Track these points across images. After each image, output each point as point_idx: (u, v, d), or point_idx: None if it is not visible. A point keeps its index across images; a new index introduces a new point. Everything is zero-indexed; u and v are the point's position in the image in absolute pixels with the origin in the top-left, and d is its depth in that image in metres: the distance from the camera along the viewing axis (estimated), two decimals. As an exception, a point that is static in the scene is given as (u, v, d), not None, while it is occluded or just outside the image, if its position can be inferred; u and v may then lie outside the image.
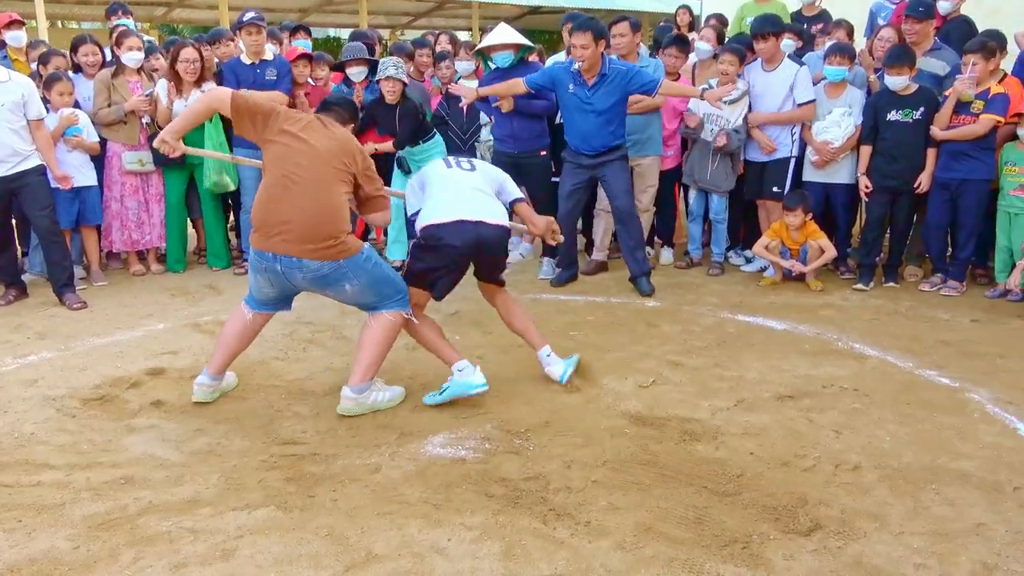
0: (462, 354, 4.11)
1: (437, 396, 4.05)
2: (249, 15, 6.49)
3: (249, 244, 3.92)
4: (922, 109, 5.82)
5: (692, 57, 6.91)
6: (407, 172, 6.33)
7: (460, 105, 6.69)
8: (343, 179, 3.84)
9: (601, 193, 6.37)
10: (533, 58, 6.95)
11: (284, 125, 3.82)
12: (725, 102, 6.20)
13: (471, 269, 4.28)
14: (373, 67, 6.73)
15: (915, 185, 5.92)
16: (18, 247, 6.43)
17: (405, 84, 6.26)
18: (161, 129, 6.30)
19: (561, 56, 6.95)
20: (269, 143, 3.84)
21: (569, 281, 6.32)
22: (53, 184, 5.87)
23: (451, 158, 4.57)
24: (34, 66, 6.64)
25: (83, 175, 6.25)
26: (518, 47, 6.16)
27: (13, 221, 5.97)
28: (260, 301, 4.02)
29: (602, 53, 5.72)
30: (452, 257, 4.08)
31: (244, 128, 3.88)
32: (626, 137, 6.16)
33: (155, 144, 4.03)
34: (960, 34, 6.39)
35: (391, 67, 6.19)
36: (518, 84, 5.94)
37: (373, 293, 3.94)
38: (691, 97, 6.16)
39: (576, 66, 5.74)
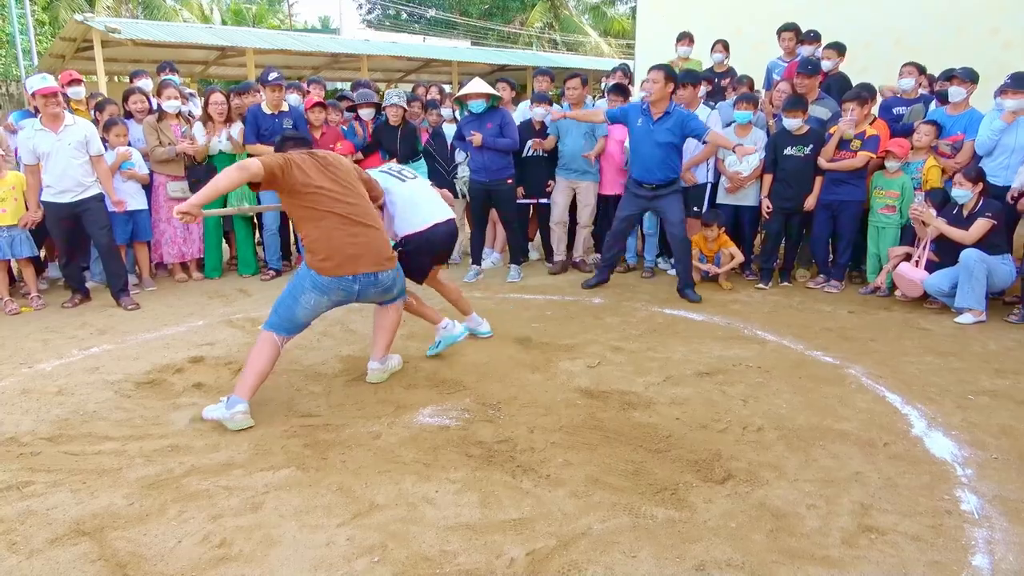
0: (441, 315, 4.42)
1: (434, 348, 4.42)
2: (272, 75, 6.43)
3: (315, 274, 3.56)
4: (812, 146, 5.89)
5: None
6: None
7: (545, 117, 6.59)
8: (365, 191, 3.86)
9: (555, 208, 6.58)
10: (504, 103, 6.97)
11: (301, 177, 3.51)
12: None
13: None
14: (377, 108, 6.91)
15: (804, 206, 6.00)
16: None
17: (405, 110, 6.54)
18: (197, 163, 6.28)
19: (525, 104, 6.95)
20: (302, 195, 3.53)
21: (599, 285, 6.19)
22: (111, 208, 5.75)
23: (395, 171, 4.43)
24: (93, 112, 6.52)
25: (136, 200, 6.14)
26: (489, 96, 6.19)
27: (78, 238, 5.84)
28: (298, 326, 3.66)
29: (671, 96, 5.68)
30: (437, 252, 4.35)
31: (272, 186, 3.51)
32: (575, 166, 6.26)
33: (175, 214, 3.41)
34: (839, 87, 6.49)
35: (395, 96, 6.55)
36: (598, 113, 6.12)
37: (398, 288, 3.95)
38: (725, 147, 5.95)
39: (645, 101, 5.80)
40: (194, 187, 6.24)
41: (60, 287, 6.20)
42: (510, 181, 6.36)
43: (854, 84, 6.28)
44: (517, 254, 6.63)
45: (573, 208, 6.75)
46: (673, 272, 6.71)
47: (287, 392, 3.94)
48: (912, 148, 5.76)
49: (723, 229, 6.12)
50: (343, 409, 3.71)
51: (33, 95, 5.39)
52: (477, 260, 6.67)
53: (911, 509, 2.75)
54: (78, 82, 6.84)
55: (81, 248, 5.91)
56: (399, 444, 3.30)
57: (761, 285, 6.16)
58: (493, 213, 6.68)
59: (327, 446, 3.29)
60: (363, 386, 4.00)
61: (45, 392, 3.95)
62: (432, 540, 2.57)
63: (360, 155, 6.68)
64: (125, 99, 6.58)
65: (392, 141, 6.53)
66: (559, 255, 6.80)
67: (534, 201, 6.85)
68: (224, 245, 6.95)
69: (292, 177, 3.49)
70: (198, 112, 6.71)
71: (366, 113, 6.87)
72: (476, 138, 6.05)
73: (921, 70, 6.37)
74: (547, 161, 6.69)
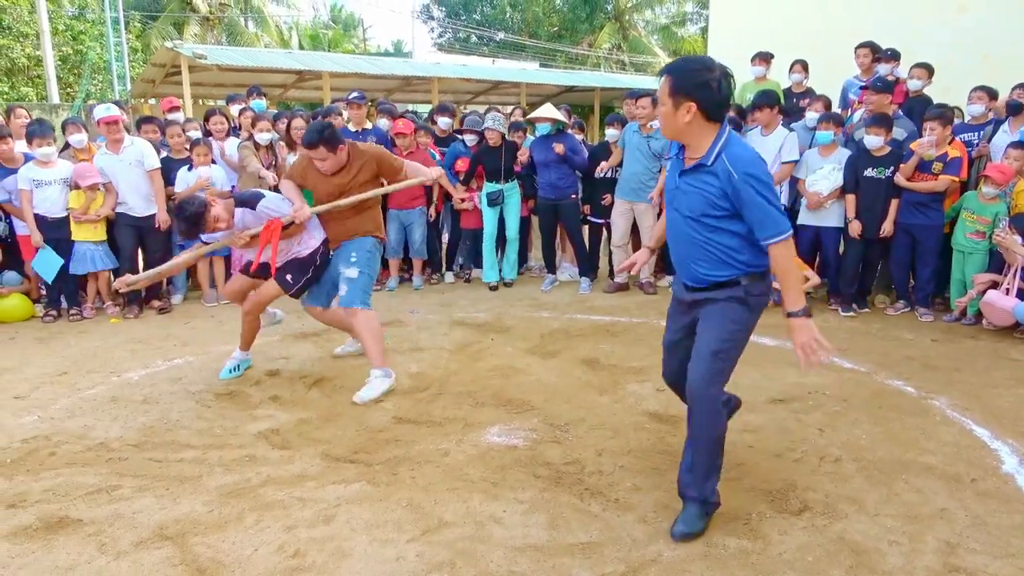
0: None
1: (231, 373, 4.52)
2: (354, 95, 7.01)
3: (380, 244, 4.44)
4: (892, 167, 5.70)
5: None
6: (496, 204, 6.81)
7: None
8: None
9: (616, 231, 6.75)
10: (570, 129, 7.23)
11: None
12: None
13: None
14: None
15: (878, 230, 5.78)
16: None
17: (504, 133, 6.85)
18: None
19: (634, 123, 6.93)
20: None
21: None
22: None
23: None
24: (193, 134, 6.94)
25: None
26: (555, 121, 6.61)
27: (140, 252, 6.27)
28: None
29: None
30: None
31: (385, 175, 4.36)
32: (634, 188, 6.55)
33: (120, 284, 4.28)
34: (922, 109, 6.25)
35: (490, 120, 6.84)
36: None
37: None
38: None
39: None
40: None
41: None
42: (574, 196, 6.81)
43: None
44: (587, 268, 7.01)
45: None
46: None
47: (357, 408, 4.02)
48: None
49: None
50: (413, 426, 3.76)
51: (98, 123, 5.93)
52: (552, 269, 7.19)
53: (1002, 550, 2.61)
54: (177, 108, 7.61)
55: (139, 261, 6.28)
56: (467, 462, 3.32)
57: (841, 312, 5.96)
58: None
59: (397, 462, 3.33)
60: (432, 403, 4.05)
61: (132, 400, 4.14)
62: (500, 560, 2.57)
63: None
64: (207, 119, 6.99)
65: (495, 161, 6.80)
66: (620, 277, 6.81)
67: (603, 221, 7.02)
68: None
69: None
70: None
71: (470, 138, 7.15)
72: (559, 147, 6.46)
73: (992, 95, 6.05)
74: (612, 182, 6.91)
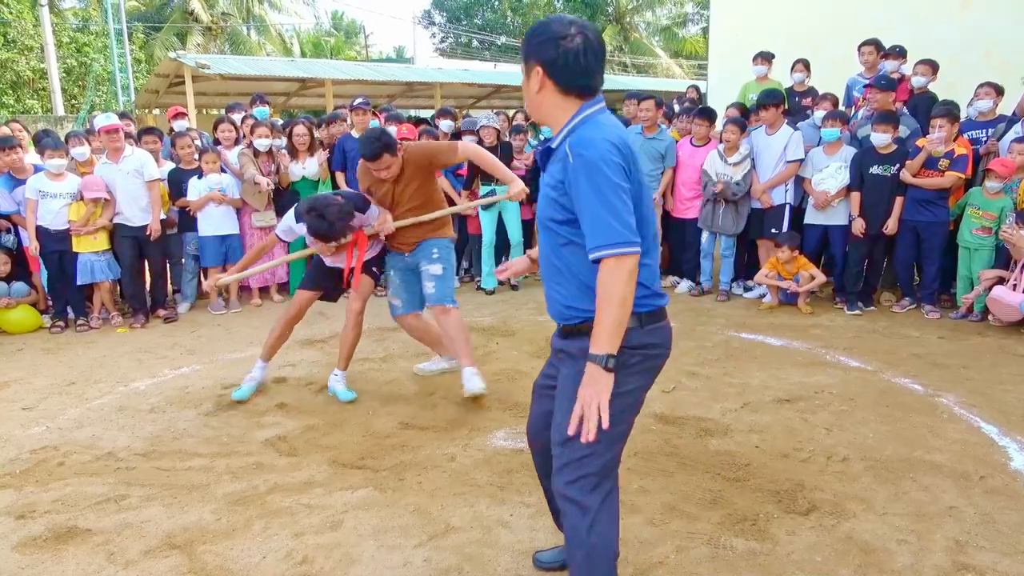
0: None
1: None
2: (358, 101, 7.08)
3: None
4: (898, 165, 5.69)
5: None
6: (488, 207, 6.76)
7: None
8: None
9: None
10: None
11: None
12: (730, 163, 6.16)
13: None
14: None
15: (883, 228, 5.78)
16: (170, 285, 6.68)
17: (499, 130, 6.87)
18: (282, 190, 6.55)
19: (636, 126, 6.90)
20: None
21: None
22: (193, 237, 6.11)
23: None
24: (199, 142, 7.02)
25: (227, 225, 6.45)
26: None
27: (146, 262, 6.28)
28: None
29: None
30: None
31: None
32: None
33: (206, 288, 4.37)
34: (926, 106, 6.23)
35: (484, 119, 6.93)
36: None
37: None
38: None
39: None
40: (280, 213, 6.54)
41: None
42: None
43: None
44: None
45: None
46: (750, 295, 6.57)
47: (363, 413, 4.02)
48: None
49: (797, 251, 5.94)
50: (419, 431, 3.76)
51: (98, 132, 5.93)
52: None
53: (1012, 548, 2.60)
54: (183, 115, 7.61)
55: (146, 271, 6.30)
56: (473, 466, 3.32)
57: (847, 310, 5.95)
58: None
59: (404, 467, 3.34)
60: (437, 408, 4.05)
61: (139, 410, 4.16)
62: (508, 564, 2.57)
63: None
64: (215, 127, 7.07)
65: None
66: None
67: None
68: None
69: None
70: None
71: (468, 139, 7.09)
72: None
73: (999, 91, 6.03)
74: None
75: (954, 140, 5.56)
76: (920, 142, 5.65)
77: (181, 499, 3.09)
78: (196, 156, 6.51)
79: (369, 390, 4.37)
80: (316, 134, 6.87)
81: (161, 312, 6.24)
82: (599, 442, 1.87)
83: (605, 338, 1.80)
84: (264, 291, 6.93)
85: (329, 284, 4.36)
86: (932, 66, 6.47)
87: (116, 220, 5.95)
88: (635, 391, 1.97)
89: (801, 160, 6.07)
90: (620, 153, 1.84)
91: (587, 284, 1.91)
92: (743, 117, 6.66)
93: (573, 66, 1.87)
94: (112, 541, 2.78)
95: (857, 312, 5.89)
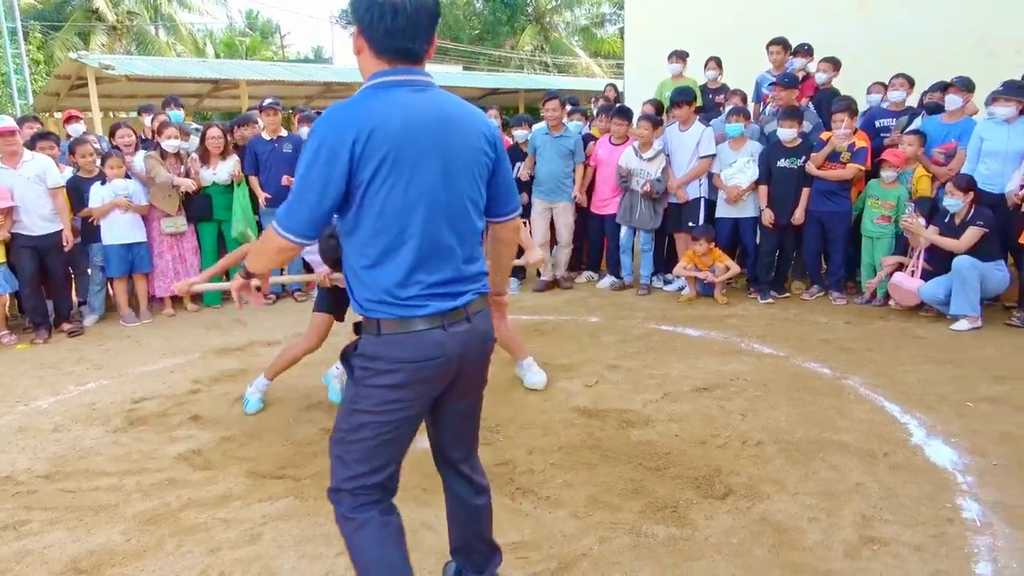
0: None
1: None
2: (268, 100, 6.79)
3: None
4: (804, 158, 5.93)
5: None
6: None
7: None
8: None
9: (536, 231, 6.70)
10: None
11: None
12: (644, 158, 6.30)
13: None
14: None
15: (791, 218, 6.01)
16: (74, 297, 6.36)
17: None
18: (192, 195, 6.30)
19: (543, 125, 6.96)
20: None
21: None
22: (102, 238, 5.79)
23: None
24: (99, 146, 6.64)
25: (134, 233, 6.14)
26: None
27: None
28: None
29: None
30: None
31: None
32: (551, 188, 6.60)
33: (176, 290, 3.84)
34: (829, 101, 6.52)
35: None
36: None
37: None
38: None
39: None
40: (190, 219, 6.33)
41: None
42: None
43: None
44: (514, 268, 6.89)
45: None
46: (669, 288, 6.72)
47: (283, 422, 3.92)
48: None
49: (713, 243, 6.12)
50: (341, 437, 3.69)
51: None
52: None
53: (913, 519, 2.74)
54: (77, 119, 7.09)
55: (48, 283, 5.91)
56: (397, 470, 3.27)
57: (760, 300, 6.16)
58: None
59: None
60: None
61: (41, 429, 3.93)
62: (433, 567, 2.55)
63: None
64: (111, 134, 6.66)
65: None
66: (545, 275, 6.90)
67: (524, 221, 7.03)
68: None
69: None
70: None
71: None
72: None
73: (911, 83, 6.39)
74: (528, 183, 6.85)
75: (854, 133, 5.84)
76: (825, 135, 5.91)
77: (87, 521, 2.93)
78: (97, 163, 6.19)
79: (289, 398, 4.26)
80: (229, 138, 6.65)
81: (66, 326, 5.91)
82: (345, 458, 2.07)
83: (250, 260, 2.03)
84: (177, 300, 6.66)
85: (340, 304, 4.11)
86: (834, 64, 6.78)
87: (14, 229, 5.58)
88: (377, 396, 1.96)
89: (713, 155, 6.25)
90: (349, 137, 1.74)
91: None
92: (659, 114, 6.81)
93: (381, 27, 1.80)
94: (11, 570, 2.62)
95: (770, 301, 6.11)
